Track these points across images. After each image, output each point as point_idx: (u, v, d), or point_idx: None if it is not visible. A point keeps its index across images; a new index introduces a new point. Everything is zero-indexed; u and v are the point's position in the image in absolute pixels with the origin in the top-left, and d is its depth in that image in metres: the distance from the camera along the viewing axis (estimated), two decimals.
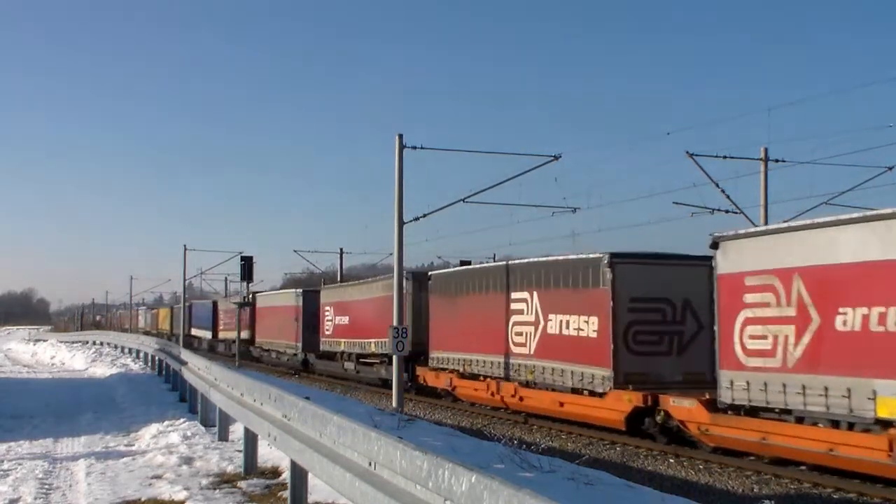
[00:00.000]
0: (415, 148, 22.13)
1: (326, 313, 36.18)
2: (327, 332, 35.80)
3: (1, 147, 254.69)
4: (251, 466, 11.42)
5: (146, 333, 65.60)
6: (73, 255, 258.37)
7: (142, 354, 35.79)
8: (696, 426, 15.78)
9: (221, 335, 55.94)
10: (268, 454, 11.68)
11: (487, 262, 31.90)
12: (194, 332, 62.11)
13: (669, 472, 14.88)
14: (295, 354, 39.53)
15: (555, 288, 20.02)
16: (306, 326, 37.83)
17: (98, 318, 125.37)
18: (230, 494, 10.08)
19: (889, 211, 12.38)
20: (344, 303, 34.43)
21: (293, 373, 39.12)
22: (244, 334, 45.16)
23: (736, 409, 14.91)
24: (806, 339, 13.54)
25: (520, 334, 21.26)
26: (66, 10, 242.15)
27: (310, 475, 8.63)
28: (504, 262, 23.59)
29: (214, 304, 59.21)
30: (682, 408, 16.16)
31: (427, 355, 26.08)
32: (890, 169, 24.77)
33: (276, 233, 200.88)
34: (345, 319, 33.97)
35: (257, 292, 48.55)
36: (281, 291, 47.25)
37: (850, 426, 12.86)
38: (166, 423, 15.81)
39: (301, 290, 40.60)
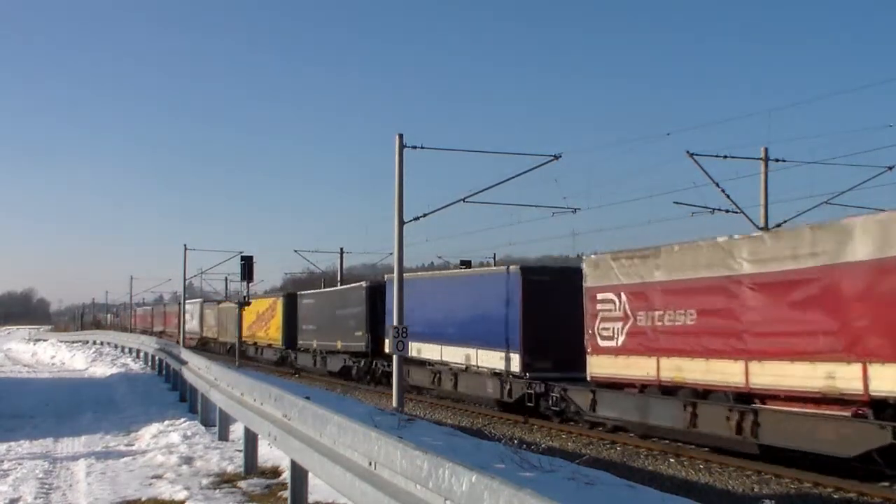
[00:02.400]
0: (415, 147, 22.12)
1: None
2: None
3: (1, 147, 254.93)
4: (251, 466, 11.41)
5: (203, 345, 50.28)
6: (73, 255, 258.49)
7: (142, 354, 35.76)
8: None
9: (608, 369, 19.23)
10: (268, 454, 11.67)
11: (488, 262, 31.20)
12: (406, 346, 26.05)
13: (670, 471, 14.88)
14: None
15: None
16: None
17: (109, 316, 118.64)
18: (230, 494, 10.08)
19: None
20: None
21: (293, 372, 38.83)
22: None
23: None
24: None
25: None
26: (66, 10, 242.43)
27: (310, 475, 8.63)
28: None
29: (528, 275, 22.45)
30: None
31: None
32: (890, 169, 24.79)
33: (276, 233, 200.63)
34: None
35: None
36: None
37: None
38: (166, 422, 15.79)
39: None
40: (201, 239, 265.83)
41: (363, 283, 32.94)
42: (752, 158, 25.99)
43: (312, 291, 42.53)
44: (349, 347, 32.83)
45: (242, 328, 43.75)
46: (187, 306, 63.75)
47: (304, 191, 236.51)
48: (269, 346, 45.20)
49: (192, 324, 62.17)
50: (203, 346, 56.02)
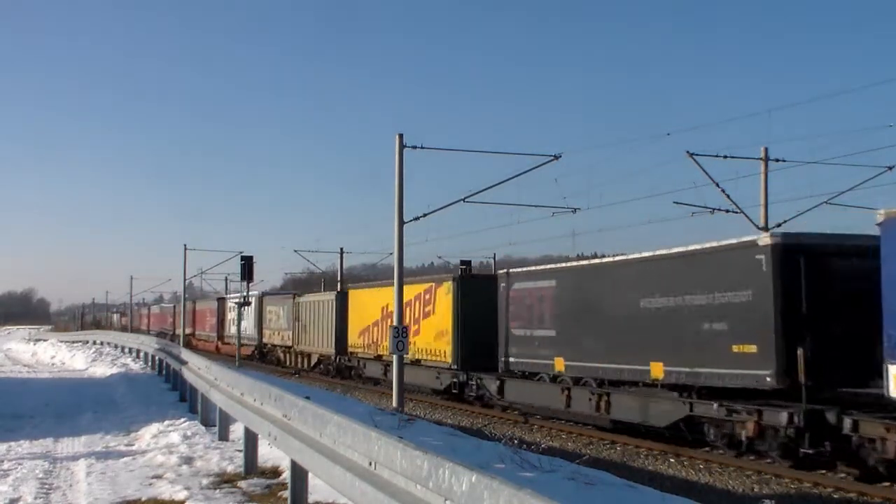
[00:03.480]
0: (415, 147, 22.08)
1: None
2: None
3: (1, 146, 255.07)
4: (251, 466, 11.42)
5: (261, 356, 39.60)
6: (73, 255, 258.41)
7: (142, 354, 35.78)
8: None
9: None
10: (268, 454, 11.67)
11: (488, 262, 30.62)
12: None
13: (670, 471, 14.88)
14: None
15: None
16: None
17: (115, 316, 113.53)
18: (230, 494, 10.08)
19: None
20: None
21: (293, 372, 38.89)
22: None
23: None
24: None
25: None
26: (67, 8, 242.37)
27: (310, 475, 8.63)
28: None
29: None
30: None
31: None
32: (890, 169, 24.76)
33: (276, 233, 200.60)
34: None
35: None
36: None
37: None
38: (166, 422, 15.79)
39: None
40: (201, 239, 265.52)
41: (757, 238, 15.30)
42: (752, 158, 25.96)
43: (552, 266, 23.32)
44: (712, 379, 15.84)
45: (349, 329, 34.20)
46: (231, 303, 48.91)
47: (304, 191, 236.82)
48: (418, 362, 27.65)
49: (243, 325, 45.70)
50: (262, 358, 43.80)
